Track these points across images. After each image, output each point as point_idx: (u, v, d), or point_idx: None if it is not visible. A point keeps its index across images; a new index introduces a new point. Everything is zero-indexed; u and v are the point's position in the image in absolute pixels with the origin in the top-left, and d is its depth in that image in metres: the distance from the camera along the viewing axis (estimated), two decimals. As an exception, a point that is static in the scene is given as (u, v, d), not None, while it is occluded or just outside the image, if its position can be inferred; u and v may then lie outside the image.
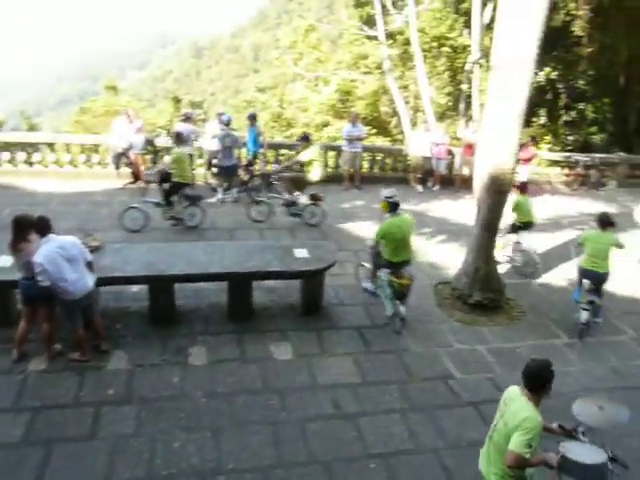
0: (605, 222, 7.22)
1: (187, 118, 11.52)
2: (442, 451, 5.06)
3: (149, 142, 12.04)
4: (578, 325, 7.22)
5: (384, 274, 6.85)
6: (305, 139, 10.38)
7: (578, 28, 18.55)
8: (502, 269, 8.58)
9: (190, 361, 6.06)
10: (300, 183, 10.21)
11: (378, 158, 14.36)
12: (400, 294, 6.83)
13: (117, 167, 11.80)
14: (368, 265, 7.42)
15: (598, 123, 18.62)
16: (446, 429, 5.34)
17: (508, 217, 8.59)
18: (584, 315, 7.12)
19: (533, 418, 3.54)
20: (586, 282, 7.30)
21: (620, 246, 7.23)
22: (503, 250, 9.04)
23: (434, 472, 4.83)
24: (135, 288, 7.13)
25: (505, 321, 7.49)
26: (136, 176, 11.57)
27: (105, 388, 5.53)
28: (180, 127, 11.07)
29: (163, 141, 12.67)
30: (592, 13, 18.52)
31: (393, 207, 6.67)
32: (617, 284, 8.81)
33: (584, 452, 3.69)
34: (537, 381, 3.70)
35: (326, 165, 13.20)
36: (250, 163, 11.77)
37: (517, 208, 8.76)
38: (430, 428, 5.33)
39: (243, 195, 11.21)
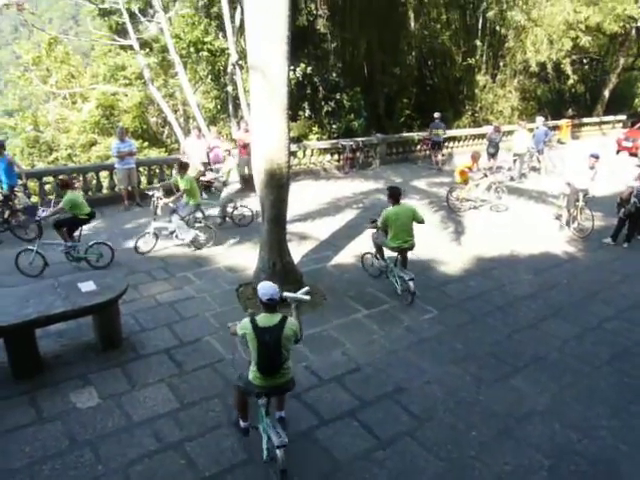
0: (397, 195, 7.91)
1: None
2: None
3: None
4: (404, 296, 7.99)
5: None
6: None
7: (321, 26, 20.09)
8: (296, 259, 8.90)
9: (-30, 441, 5.09)
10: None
11: (156, 170, 13.81)
12: None
13: None
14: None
15: (354, 110, 20.44)
16: (274, 428, 5.33)
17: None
18: (411, 285, 7.80)
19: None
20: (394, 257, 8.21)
21: (419, 219, 7.95)
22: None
23: (270, 478, 4.79)
24: None
25: (309, 308, 7.75)
26: None
27: None
28: None
29: None
30: (330, 13, 20.22)
31: None
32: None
33: None
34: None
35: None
36: (7, 198, 10.32)
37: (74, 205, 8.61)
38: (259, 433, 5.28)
39: (6, 235, 9.83)
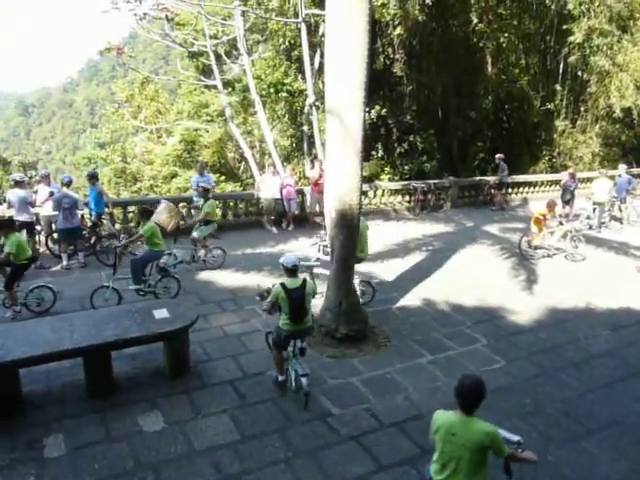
0: None
1: (17, 183, 10.47)
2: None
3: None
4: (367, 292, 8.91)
5: None
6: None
7: (398, 69, 20.44)
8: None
9: (46, 454, 5.37)
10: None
11: (231, 204, 14.36)
12: None
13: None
14: None
15: (427, 152, 20.47)
16: (330, 469, 5.30)
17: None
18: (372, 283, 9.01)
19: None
20: None
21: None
22: None
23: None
24: (-31, 382, 6.23)
25: (373, 349, 7.74)
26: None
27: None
28: (10, 194, 10.20)
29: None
30: (407, 57, 20.57)
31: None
32: (466, 298, 9.65)
33: None
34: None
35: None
36: (95, 224, 11.07)
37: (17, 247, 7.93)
38: (315, 471, 5.26)
39: (91, 259, 10.51)
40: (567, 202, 15.01)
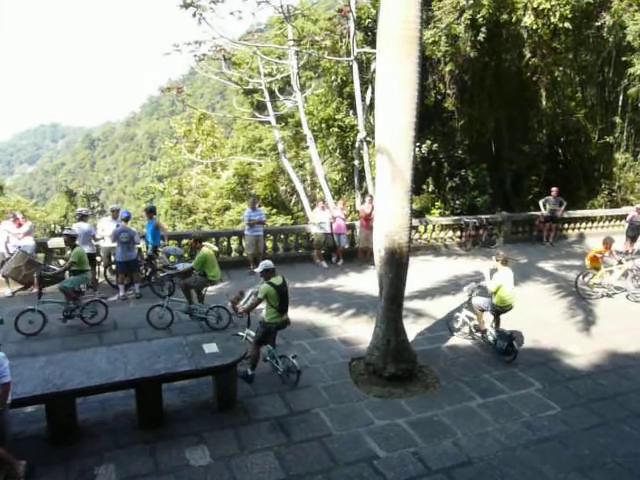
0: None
1: (82, 216, 11.10)
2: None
3: (40, 245, 11.46)
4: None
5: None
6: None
7: (449, 104, 20.44)
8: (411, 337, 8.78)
9: (97, 484, 5.53)
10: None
11: (281, 237, 14.57)
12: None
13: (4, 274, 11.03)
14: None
15: (479, 187, 20.20)
16: (376, 515, 5.20)
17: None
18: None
19: None
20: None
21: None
22: None
23: None
24: (30, 408, 6.50)
25: (421, 390, 7.60)
26: (28, 282, 10.93)
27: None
28: (76, 227, 10.80)
29: (57, 242, 12.16)
30: (458, 91, 20.56)
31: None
32: (519, 339, 9.35)
33: None
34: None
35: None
36: (151, 257, 11.48)
37: None
38: (360, 517, 5.17)
39: (146, 290, 10.86)
40: (633, 238, 14.41)
